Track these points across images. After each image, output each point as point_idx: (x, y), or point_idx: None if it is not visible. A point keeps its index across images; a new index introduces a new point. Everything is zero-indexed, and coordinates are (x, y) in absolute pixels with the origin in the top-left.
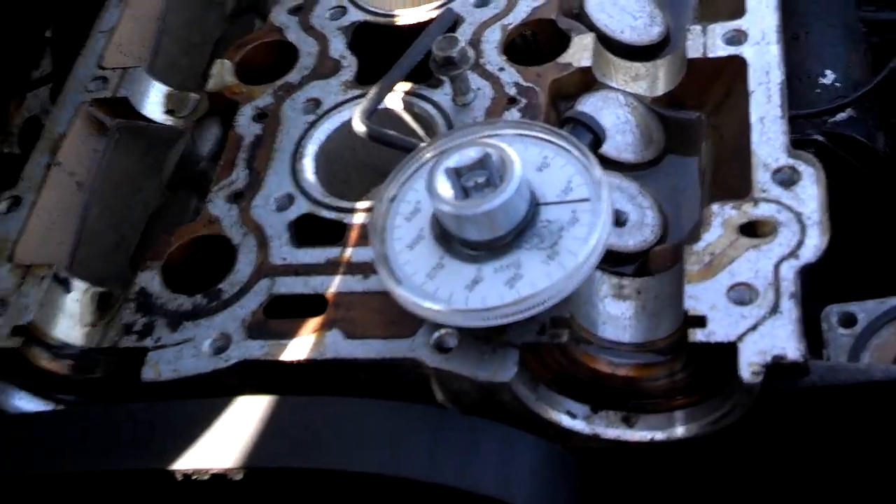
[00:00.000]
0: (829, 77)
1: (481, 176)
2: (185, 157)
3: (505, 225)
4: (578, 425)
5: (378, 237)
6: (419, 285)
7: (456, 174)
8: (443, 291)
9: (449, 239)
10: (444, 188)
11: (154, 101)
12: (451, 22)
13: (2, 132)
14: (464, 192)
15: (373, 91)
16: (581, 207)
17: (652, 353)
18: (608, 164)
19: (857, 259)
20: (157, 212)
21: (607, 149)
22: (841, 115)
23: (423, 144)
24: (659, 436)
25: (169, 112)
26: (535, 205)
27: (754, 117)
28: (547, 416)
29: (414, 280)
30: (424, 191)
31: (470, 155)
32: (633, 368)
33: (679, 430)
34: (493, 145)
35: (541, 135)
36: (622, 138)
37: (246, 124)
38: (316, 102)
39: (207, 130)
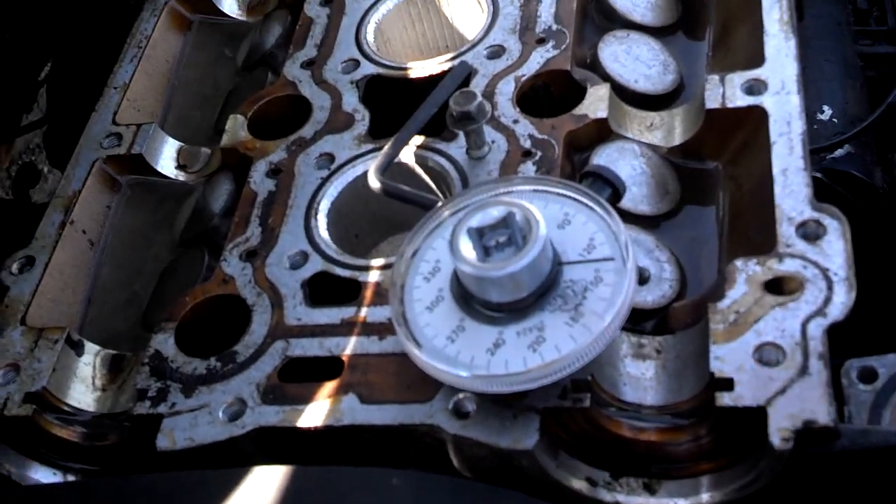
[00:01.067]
0: (826, 113)
1: (503, 235)
2: (197, 213)
3: (528, 286)
4: (600, 493)
5: (397, 296)
6: (440, 349)
7: (478, 234)
8: (464, 355)
9: (469, 299)
10: (467, 248)
11: (167, 157)
12: (465, 75)
13: None
14: (485, 252)
15: (387, 146)
16: (605, 267)
17: (675, 416)
18: (624, 216)
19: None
20: (168, 268)
21: (623, 201)
22: (839, 152)
23: (440, 203)
24: (683, 503)
25: (181, 167)
26: (557, 264)
27: (777, 169)
28: (567, 484)
29: (434, 343)
30: (443, 250)
31: (493, 214)
32: (656, 432)
33: (704, 497)
34: (516, 204)
35: (561, 191)
36: (638, 190)
37: (259, 180)
38: (329, 157)
39: (219, 186)
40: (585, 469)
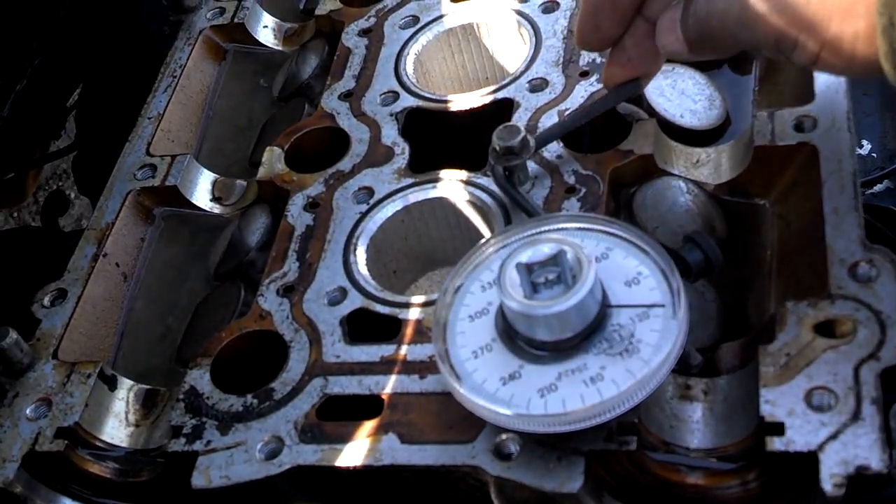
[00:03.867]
0: (865, 147)
1: (552, 272)
2: (233, 247)
3: (575, 327)
4: None
5: (440, 334)
6: (481, 386)
7: (527, 270)
8: (504, 393)
9: (513, 336)
10: (514, 284)
11: (202, 189)
12: (635, 92)
13: (18, 201)
14: (533, 288)
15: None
16: (654, 313)
17: (723, 459)
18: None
19: None
20: (203, 302)
21: (668, 239)
22: (878, 187)
23: (482, 240)
24: None
25: (216, 199)
26: (605, 307)
27: (827, 208)
28: None
29: (475, 379)
30: (488, 287)
31: (543, 251)
32: (703, 476)
33: None
34: (568, 243)
35: (608, 229)
36: (683, 228)
37: (297, 214)
38: (369, 191)
39: (255, 219)
40: None
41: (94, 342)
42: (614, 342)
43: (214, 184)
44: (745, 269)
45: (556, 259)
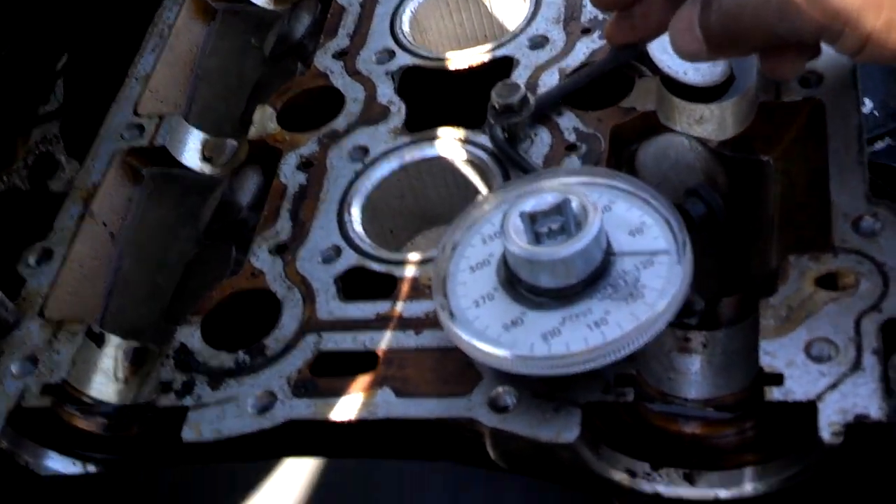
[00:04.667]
0: (867, 106)
1: (556, 222)
2: (224, 206)
3: (580, 272)
4: (639, 484)
5: (440, 287)
6: (482, 331)
7: (531, 219)
8: (506, 338)
9: (515, 284)
10: (518, 231)
11: (191, 149)
12: (631, 59)
13: (7, 166)
14: (536, 238)
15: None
16: (659, 259)
17: (720, 409)
18: None
19: None
20: (193, 262)
21: (671, 196)
22: (879, 145)
23: (480, 196)
24: (724, 493)
25: (206, 160)
26: (609, 254)
27: (832, 164)
28: (606, 475)
29: (476, 325)
30: (489, 240)
31: (548, 200)
32: (701, 426)
33: (748, 487)
34: (573, 191)
35: (610, 182)
36: (685, 184)
37: (290, 173)
38: (363, 150)
39: (247, 179)
40: (625, 461)
41: (82, 301)
42: (619, 287)
43: (204, 144)
44: (748, 225)
45: (559, 208)
